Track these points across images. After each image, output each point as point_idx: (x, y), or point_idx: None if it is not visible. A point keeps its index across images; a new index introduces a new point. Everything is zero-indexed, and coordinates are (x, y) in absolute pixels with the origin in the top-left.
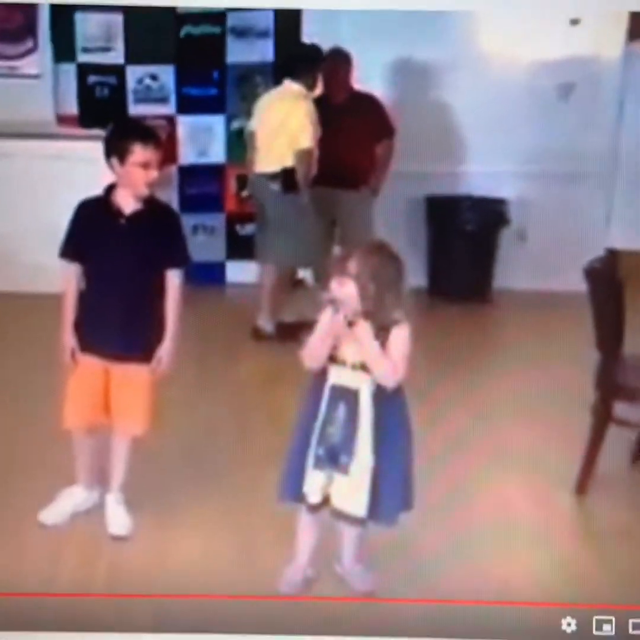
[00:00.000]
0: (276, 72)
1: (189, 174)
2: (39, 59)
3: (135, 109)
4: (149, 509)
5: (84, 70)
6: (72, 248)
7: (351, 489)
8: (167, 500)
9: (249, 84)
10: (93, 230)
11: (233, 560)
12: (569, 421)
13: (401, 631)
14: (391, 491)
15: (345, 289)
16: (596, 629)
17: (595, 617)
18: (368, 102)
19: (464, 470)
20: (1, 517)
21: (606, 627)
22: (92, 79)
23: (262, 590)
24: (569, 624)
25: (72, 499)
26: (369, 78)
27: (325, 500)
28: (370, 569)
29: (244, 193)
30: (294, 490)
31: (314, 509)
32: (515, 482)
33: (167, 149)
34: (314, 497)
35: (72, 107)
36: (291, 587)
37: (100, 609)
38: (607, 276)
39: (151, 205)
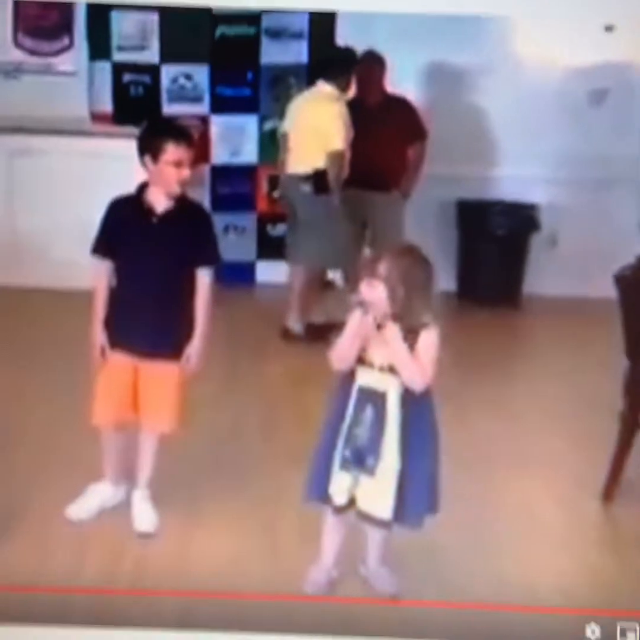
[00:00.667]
0: (310, 74)
1: (221, 173)
2: (75, 57)
3: (169, 108)
4: (175, 506)
5: (119, 69)
6: (103, 245)
7: (377, 491)
8: (194, 498)
9: (282, 85)
10: (125, 227)
11: (258, 559)
12: (597, 428)
13: (424, 634)
14: (417, 494)
15: (375, 291)
16: (620, 636)
17: (619, 624)
18: (401, 105)
19: (491, 474)
20: (29, 512)
21: (630, 635)
22: (126, 77)
23: (287, 590)
24: (593, 631)
25: (99, 495)
26: (402, 81)
27: (351, 502)
28: (395, 571)
29: (276, 194)
30: (320, 491)
31: (340, 510)
32: (542, 487)
33: (200, 148)
34: (339, 499)
35: (106, 105)
36: (315, 588)
37: (126, 605)
38: (637, 283)
39: (183, 204)
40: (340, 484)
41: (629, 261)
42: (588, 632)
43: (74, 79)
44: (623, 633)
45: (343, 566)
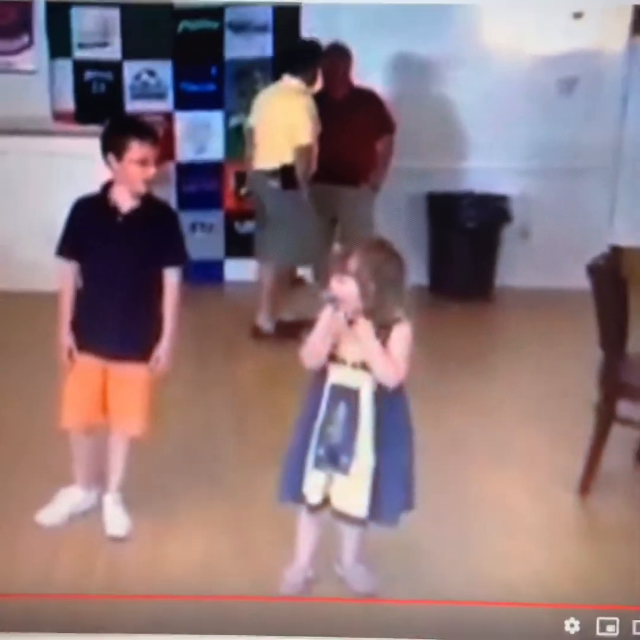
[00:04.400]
0: (275, 68)
1: (187, 171)
2: (35, 55)
3: (132, 105)
4: (147, 509)
5: (80, 66)
6: (68, 246)
7: (352, 489)
8: (166, 500)
9: (247, 79)
10: (90, 228)
11: (232, 562)
12: (572, 420)
13: (402, 633)
14: (392, 491)
15: (346, 287)
16: (600, 630)
17: (598, 618)
18: (368, 98)
19: (466, 470)
20: None
21: (610, 628)
22: (88, 74)
23: (262, 592)
24: (572, 625)
25: (70, 500)
26: (369, 73)
27: (326, 501)
28: (371, 570)
29: (243, 190)
30: (294, 491)
31: (314, 509)
32: (518, 482)
33: (165, 145)
34: (314, 498)
35: (68, 104)
36: (291, 588)
37: (98, 611)
38: (610, 273)
39: (149, 203)
40: (314, 483)
41: (601, 251)
42: (567, 627)
43: (34, 78)
44: (603, 627)
45: (319, 566)
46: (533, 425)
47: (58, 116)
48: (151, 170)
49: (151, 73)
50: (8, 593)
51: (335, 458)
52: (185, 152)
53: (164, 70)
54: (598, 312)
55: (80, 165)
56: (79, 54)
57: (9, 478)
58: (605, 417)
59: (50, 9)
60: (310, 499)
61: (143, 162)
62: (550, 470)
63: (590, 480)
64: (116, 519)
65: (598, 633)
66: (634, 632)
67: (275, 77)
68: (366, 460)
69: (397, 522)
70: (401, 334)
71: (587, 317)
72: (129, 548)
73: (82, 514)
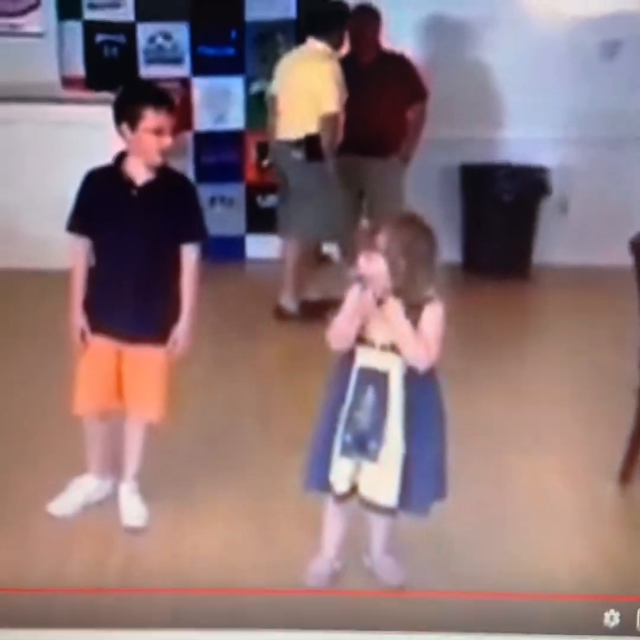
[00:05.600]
0: (299, 30)
1: (206, 141)
2: (42, 16)
3: (146, 71)
4: (165, 498)
5: (90, 29)
6: (80, 221)
7: (380, 478)
8: (185, 489)
9: (269, 43)
10: (102, 202)
11: (255, 553)
12: (613, 405)
13: (433, 626)
14: (423, 479)
15: (374, 265)
16: None
17: (639, 611)
18: (398, 63)
19: (500, 457)
20: (8, 508)
21: None
22: (99, 37)
23: (287, 584)
24: (611, 618)
25: (84, 489)
26: (399, 36)
27: (353, 489)
28: (401, 561)
29: (265, 162)
30: (320, 479)
31: (341, 498)
32: (555, 469)
33: (182, 114)
34: (341, 486)
35: (78, 69)
36: (317, 581)
37: (114, 605)
38: None
39: (165, 175)
40: (341, 471)
41: None
42: (606, 619)
43: (41, 41)
44: None
45: (346, 557)
46: (571, 410)
47: (67, 82)
48: (167, 140)
49: (166, 36)
50: (20, 587)
51: (363, 445)
52: (203, 121)
53: (181, 33)
54: None
55: (91, 135)
56: (90, 15)
57: (19, 467)
58: None
59: None
60: (337, 488)
61: (158, 132)
62: (589, 457)
63: (630, 467)
64: (133, 509)
65: (638, 626)
66: None
67: (299, 40)
68: (396, 446)
69: (428, 511)
70: (432, 314)
71: (629, 296)
72: (146, 539)
73: (96, 503)
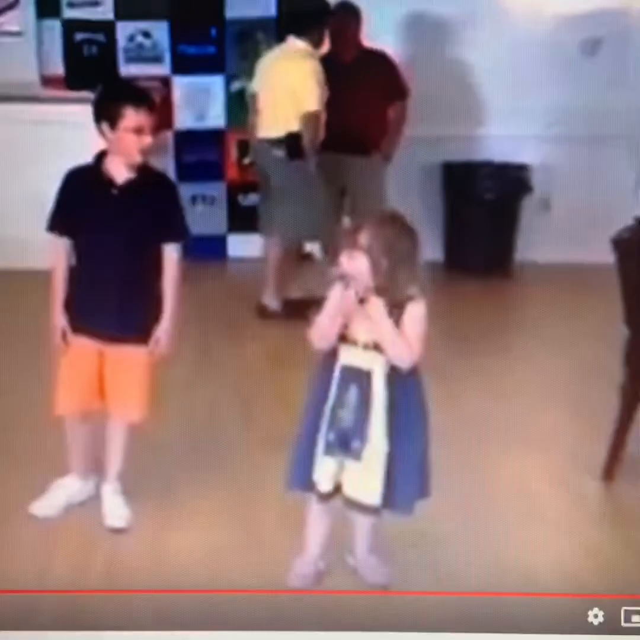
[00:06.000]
0: (279, 29)
1: (186, 139)
2: (21, 15)
3: (126, 69)
4: (148, 499)
5: (70, 27)
6: (60, 221)
7: (364, 476)
8: (168, 489)
9: (250, 41)
10: (83, 201)
11: (239, 553)
12: (596, 402)
13: (418, 625)
14: (406, 478)
15: (356, 263)
16: (625, 621)
17: (623, 608)
18: (379, 61)
19: (484, 455)
20: None
21: (635, 618)
22: (79, 36)
23: (270, 585)
24: (596, 616)
25: (66, 490)
26: (379, 34)
27: (337, 489)
28: (385, 560)
29: (246, 160)
30: (303, 478)
31: (325, 497)
32: (539, 467)
33: (162, 112)
34: (324, 485)
35: (57, 68)
36: (301, 581)
37: (97, 607)
38: (636, 246)
39: (145, 174)
40: (324, 470)
41: (627, 223)
42: (591, 617)
43: (20, 40)
44: (628, 617)
45: (330, 557)
46: (555, 408)
47: (47, 81)
48: (147, 139)
49: (146, 34)
50: (2, 589)
51: (346, 443)
52: (183, 119)
53: (160, 31)
54: (623, 288)
55: (71, 134)
56: (69, 13)
57: (0, 467)
58: (631, 398)
59: None
60: (321, 487)
61: (139, 131)
62: (572, 454)
63: (614, 465)
64: (115, 510)
65: (623, 623)
66: None
67: (280, 38)
68: (379, 445)
69: (412, 510)
70: (415, 313)
71: (612, 293)
72: (129, 540)
73: (79, 504)
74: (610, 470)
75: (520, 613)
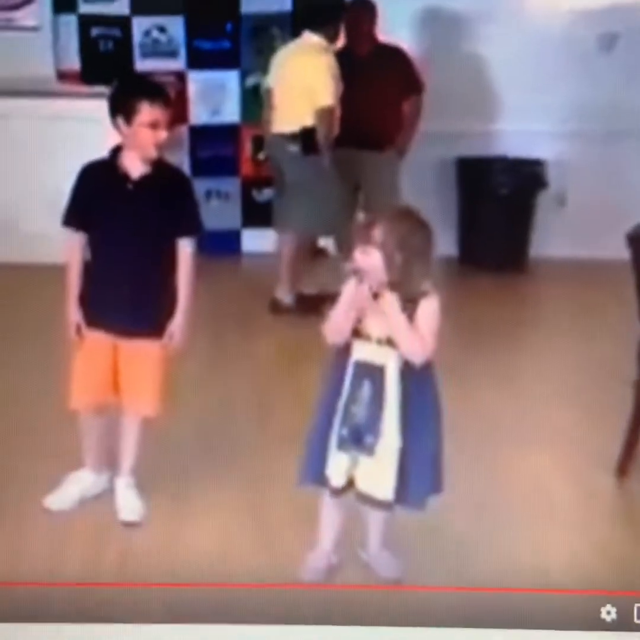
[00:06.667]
0: (295, 23)
1: (201, 135)
2: (37, 10)
3: (142, 64)
4: (161, 493)
5: (86, 22)
6: (75, 216)
7: (377, 471)
8: (181, 483)
9: (265, 36)
10: (98, 196)
11: (252, 547)
12: (610, 398)
13: (430, 621)
14: (419, 473)
15: (370, 259)
16: (637, 617)
17: (636, 605)
18: (394, 56)
19: (497, 451)
20: (4, 503)
21: None
22: (95, 31)
23: (283, 578)
24: (608, 612)
25: (80, 484)
26: (395, 29)
27: (350, 484)
28: (398, 555)
29: (261, 155)
30: (316, 473)
31: (338, 492)
32: (552, 463)
33: (177, 107)
34: (337, 480)
35: (73, 63)
36: (314, 575)
37: (110, 600)
38: None
39: (160, 169)
40: (337, 465)
41: None
42: (603, 614)
43: (36, 35)
44: None
45: (342, 551)
46: (568, 404)
47: (63, 76)
48: (163, 134)
49: (162, 29)
50: (15, 581)
51: (359, 438)
52: (199, 114)
53: (176, 26)
54: (638, 284)
55: (87, 129)
56: (85, 8)
57: (15, 461)
58: None
59: None
60: (334, 482)
61: (154, 126)
62: (586, 450)
63: (628, 461)
64: (129, 504)
65: (636, 620)
66: None
67: (295, 33)
68: (392, 440)
69: (424, 505)
70: (429, 308)
71: (627, 289)
72: (142, 534)
73: (92, 498)
74: (623, 466)
75: (533, 609)
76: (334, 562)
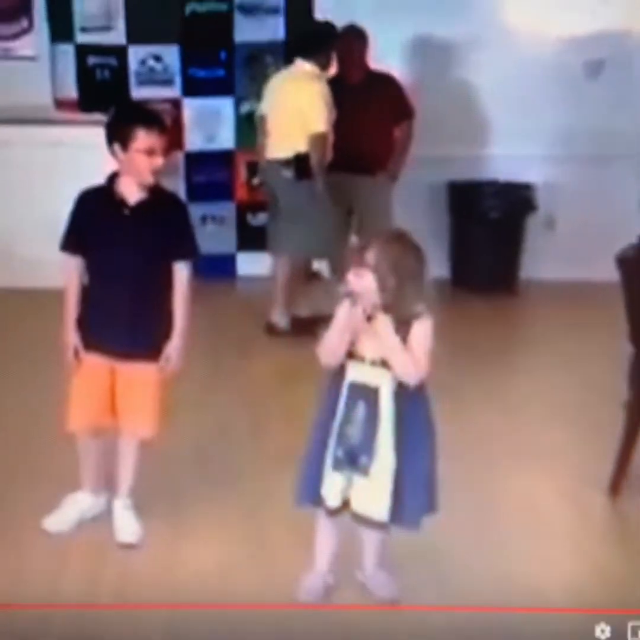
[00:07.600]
0: (287, 52)
1: (196, 161)
2: (35, 40)
3: (138, 92)
4: (159, 514)
5: (83, 51)
6: (73, 241)
7: (372, 492)
8: (178, 505)
9: (258, 64)
10: (95, 221)
11: (248, 568)
12: (602, 418)
13: None
14: (414, 493)
15: (364, 281)
16: (631, 636)
17: (630, 624)
18: (385, 82)
19: (491, 470)
20: (3, 524)
21: None
22: (92, 60)
23: (280, 599)
24: (602, 631)
25: (78, 505)
26: (386, 56)
27: (345, 504)
28: (394, 575)
29: (255, 181)
30: (312, 494)
31: (333, 513)
32: (546, 482)
33: (173, 134)
34: (333, 501)
35: (71, 91)
36: (310, 596)
37: (108, 622)
38: None
39: (156, 195)
40: (333, 486)
41: (630, 241)
42: (597, 632)
43: (35, 64)
44: (634, 632)
45: (339, 572)
46: (561, 424)
47: (60, 104)
48: (159, 161)
49: (157, 58)
50: (14, 603)
51: (354, 459)
52: (194, 141)
53: (171, 55)
54: (627, 305)
55: (84, 156)
56: (82, 38)
57: (13, 483)
58: (636, 415)
59: None
60: (329, 502)
61: (150, 152)
62: (579, 470)
63: (620, 480)
64: (126, 525)
65: (630, 638)
66: None
67: (288, 61)
68: (387, 461)
69: (419, 525)
70: (422, 330)
71: (616, 311)
72: (140, 555)
73: (90, 520)
74: (616, 485)
75: (528, 628)
76: (331, 582)
